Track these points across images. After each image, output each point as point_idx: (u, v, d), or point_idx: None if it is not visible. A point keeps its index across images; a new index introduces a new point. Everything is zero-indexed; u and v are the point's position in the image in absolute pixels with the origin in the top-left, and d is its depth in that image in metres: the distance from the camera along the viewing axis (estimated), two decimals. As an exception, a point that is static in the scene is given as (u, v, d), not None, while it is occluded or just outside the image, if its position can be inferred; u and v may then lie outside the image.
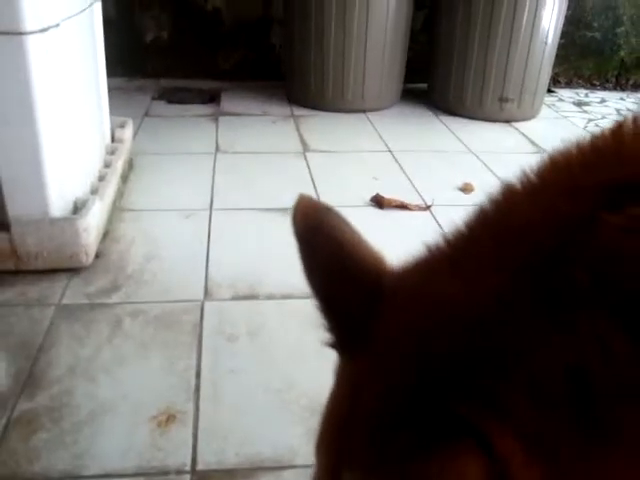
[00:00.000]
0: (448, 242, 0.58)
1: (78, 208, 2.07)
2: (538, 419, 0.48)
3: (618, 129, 0.58)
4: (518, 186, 0.58)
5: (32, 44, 1.74)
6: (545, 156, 0.60)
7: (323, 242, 0.65)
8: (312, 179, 2.79)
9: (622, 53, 4.73)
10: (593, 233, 0.50)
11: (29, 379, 1.56)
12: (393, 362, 0.54)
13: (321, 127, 3.57)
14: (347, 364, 0.62)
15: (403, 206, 2.53)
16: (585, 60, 4.73)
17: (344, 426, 0.58)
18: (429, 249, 0.59)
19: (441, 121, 3.75)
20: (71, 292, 1.90)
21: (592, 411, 0.48)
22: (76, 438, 1.41)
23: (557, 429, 0.48)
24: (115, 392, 1.53)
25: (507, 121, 3.78)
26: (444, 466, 0.45)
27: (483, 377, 0.48)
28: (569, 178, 0.56)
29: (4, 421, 1.43)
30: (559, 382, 0.48)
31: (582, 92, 4.65)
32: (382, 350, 0.56)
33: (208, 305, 1.88)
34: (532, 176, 0.58)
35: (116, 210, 2.39)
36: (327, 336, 0.63)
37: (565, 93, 4.58)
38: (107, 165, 2.46)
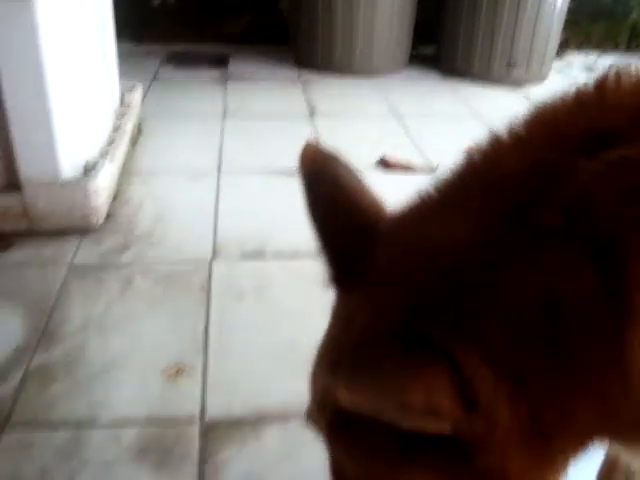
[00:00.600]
0: (438, 190, 0.62)
1: (88, 170, 2.11)
2: (509, 345, 0.52)
3: (601, 82, 0.61)
4: (505, 137, 0.61)
5: (41, 7, 1.76)
6: (532, 108, 0.64)
7: (327, 186, 0.69)
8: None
9: (634, 16, 4.68)
10: (570, 177, 0.54)
11: (44, 334, 1.62)
12: (382, 298, 0.58)
13: (329, 91, 3.57)
14: (342, 299, 0.66)
15: (409, 168, 2.56)
16: (595, 24, 4.68)
17: (335, 354, 0.62)
18: (421, 197, 0.63)
19: (448, 85, 3.75)
20: (83, 252, 1.95)
21: (563, 341, 0.53)
22: (90, 389, 1.47)
23: (528, 355, 0.52)
24: (126, 347, 1.59)
25: (515, 85, 3.77)
26: (413, 371, 0.50)
27: (460, 307, 0.53)
28: (553, 128, 0.60)
29: (22, 373, 1.49)
30: (533, 313, 0.52)
31: (592, 56, 4.61)
32: (373, 287, 0.60)
33: (216, 264, 1.93)
34: (519, 127, 0.62)
35: (125, 173, 2.43)
36: (326, 272, 0.68)
37: (574, 58, 4.55)
38: (116, 128, 2.49)
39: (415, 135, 2.96)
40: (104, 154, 2.26)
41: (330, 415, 0.61)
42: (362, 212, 0.68)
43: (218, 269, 1.91)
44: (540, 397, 0.54)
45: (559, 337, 0.53)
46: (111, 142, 2.37)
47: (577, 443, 0.59)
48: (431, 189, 0.63)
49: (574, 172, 0.54)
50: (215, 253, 1.99)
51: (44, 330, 1.63)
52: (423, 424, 0.51)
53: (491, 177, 0.59)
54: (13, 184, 1.97)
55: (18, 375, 1.49)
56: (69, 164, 2.02)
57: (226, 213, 2.22)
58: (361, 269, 0.62)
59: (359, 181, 0.71)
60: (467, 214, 0.57)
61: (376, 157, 2.61)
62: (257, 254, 1.98)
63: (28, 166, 1.94)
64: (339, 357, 0.60)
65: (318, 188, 0.69)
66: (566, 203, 0.54)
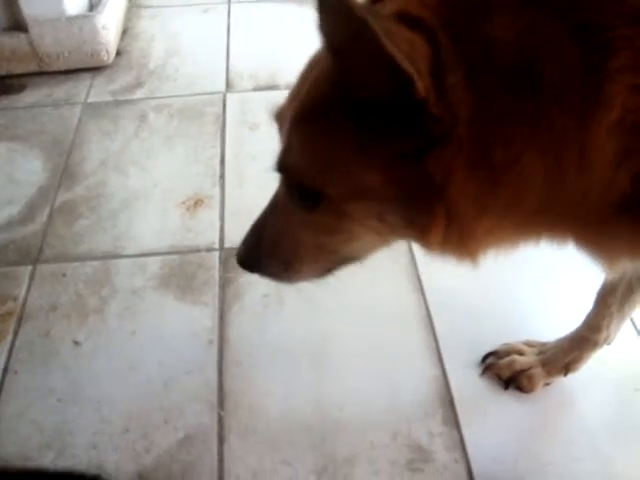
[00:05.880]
0: None
1: (94, 5, 2.05)
2: (486, 73, 0.56)
3: None
4: None
5: None
6: None
7: None
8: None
9: None
10: None
11: (65, 173, 1.66)
12: None
13: None
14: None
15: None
16: None
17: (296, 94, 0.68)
18: None
19: None
20: (96, 90, 1.95)
21: (533, 100, 0.56)
22: (114, 223, 1.52)
23: (496, 89, 0.56)
24: (145, 182, 1.63)
25: None
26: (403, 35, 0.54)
27: (453, 18, 0.58)
28: None
29: (48, 210, 1.55)
30: (514, 64, 0.56)
31: None
32: None
33: (230, 96, 1.91)
34: None
35: (133, 7, 2.35)
36: None
37: None
38: (119, -41, 2.38)
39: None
40: (109, -13, 2.18)
41: (295, 108, 0.67)
42: None
43: (232, 101, 1.89)
44: (495, 129, 0.57)
45: (531, 95, 0.55)
46: (115, -27, 2.28)
47: (526, 215, 0.63)
48: None
49: None
50: (228, 85, 1.96)
51: (64, 169, 1.67)
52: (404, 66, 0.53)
53: None
54: (18, 24, 1.94)
55: (45, 214, 1.55)
56: (73, -1, 1.96)
57: (238, 44, 2.16)
58: None
59: None
60: None
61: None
62: (270, 84, 1.95)
63: (30, 4, 1.89)
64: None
65: None
66: None
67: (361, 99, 0.59)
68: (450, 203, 0.61)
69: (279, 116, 0.72)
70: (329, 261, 0.82)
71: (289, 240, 0.79)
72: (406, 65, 0.52)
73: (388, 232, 0.70)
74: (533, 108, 0.56)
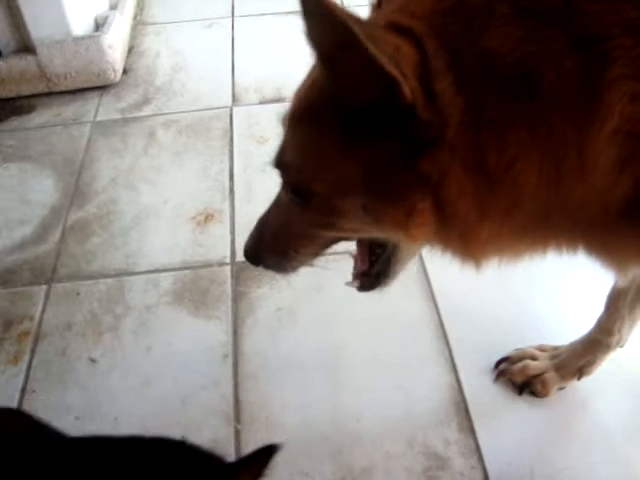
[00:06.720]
0: None
1: (99, 25, 2.07)
2: (479, 75, 0.57)
3: None
4: None
5: None
6: None
7: None
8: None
9: None
10: None
11: (76, 192, 1.68)
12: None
13: None
14: None
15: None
16: None
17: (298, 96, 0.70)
18: None
19: None
20: (104, 109, 1.97)
21: (529, 106, 0.56)
22: (125, 240, 1.54)
23: (490, 94, 0.57)
24: (156, 198, 1.64)
25: None
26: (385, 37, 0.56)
27: (446, 21, 0.59)
28: None
29: (60, 229, 1.57)
30: (511, 73, 0.56)
31: None
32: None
33: (236, 110, 1.93)
34: None
35: (138, 25, 2.38)
36: None
37: None
38: (123, -22, 2.41)
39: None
40: (114, 6, 2.20)
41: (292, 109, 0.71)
42: None
43: (238, 115, 1.91)
44: (489, 134, 0.58)
45: (529, 102, 0.56)
46: (119, -7, 2.30)
47: (527, 222, 0.63)
48: None
49: None
50: (235, 99, 1.98)
51: (75, 188, 1.69)
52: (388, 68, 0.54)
53: None
54: (26, 46, 1.96)
55: (57, 233, 1.57)
56: (79, 20, 1.98)
57: (243, 57, 2.17)
58: None
59: None
60: None
61: None
62: (276, 97, 1.96)
63: (37, 26, 1.92)
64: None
65: None
66: None
67: (350, 104, 0.60)
68: (447, 203, 0.61)
69: (284, 118, 0.74)
70: (324, 247, 0.85)
71: (286, 233, 0.83)
72: (390, 68, 0.53)
73: (374, 226, 0.72)
74: (531, 115, 0.56)
